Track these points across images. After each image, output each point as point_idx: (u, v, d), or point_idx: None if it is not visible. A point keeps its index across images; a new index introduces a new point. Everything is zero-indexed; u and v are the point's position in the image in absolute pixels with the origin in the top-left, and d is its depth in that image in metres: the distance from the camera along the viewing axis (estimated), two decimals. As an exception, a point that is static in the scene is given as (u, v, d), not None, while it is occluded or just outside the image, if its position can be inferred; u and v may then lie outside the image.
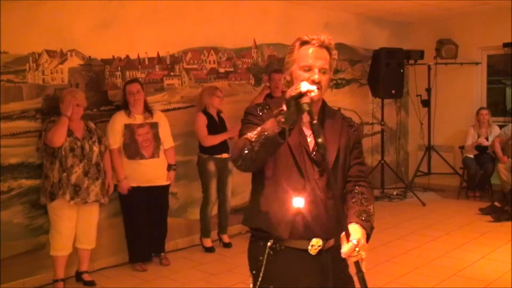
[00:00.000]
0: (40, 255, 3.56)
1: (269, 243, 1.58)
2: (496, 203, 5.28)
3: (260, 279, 1.58)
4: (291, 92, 1.43)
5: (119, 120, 3.78)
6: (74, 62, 3.80)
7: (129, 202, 3.85)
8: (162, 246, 4.09)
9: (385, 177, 6.33)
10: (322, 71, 1.57)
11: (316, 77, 1.55)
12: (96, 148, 3.53)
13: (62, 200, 3.38)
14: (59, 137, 3.33)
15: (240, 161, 1.51)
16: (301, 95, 1.40)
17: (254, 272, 1.63)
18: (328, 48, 1.60)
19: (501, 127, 6.01)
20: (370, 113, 6.45)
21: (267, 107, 1.66)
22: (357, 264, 1.46)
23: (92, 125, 3.62)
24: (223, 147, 4.33)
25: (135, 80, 3.93)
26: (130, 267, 3.93)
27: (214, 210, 4.41)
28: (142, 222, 3.90)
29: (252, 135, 1.48)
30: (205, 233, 4.36)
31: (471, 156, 6.04)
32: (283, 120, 1.41)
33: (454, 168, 6.39)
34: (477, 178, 5.92)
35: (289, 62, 1.62)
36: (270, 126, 1.45)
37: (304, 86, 1.41)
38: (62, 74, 3.75)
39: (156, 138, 3.89)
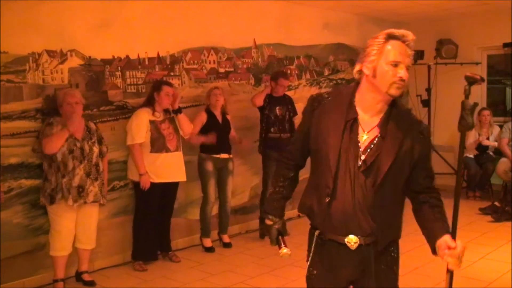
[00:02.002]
0: (40, 255, 3.55)
1: (316, 233, 1.71)
2: (496, 203, 5.28)
3: (309, 262, 1.74)
4: (277, 248, 1.78)
5: (145, 116, 3.83)
6: (74, 62, 3.79)
7: (146, 198, 3.87)
8: (169, 244, 4.12)
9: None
10: (407, 68, 1.59)
11: (402, 73, 1.57)
12: (96, 149, 3.52)
13: (61, 203, 3.37)
14: (53, 147, 3.33)
15: None
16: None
17: (309, 248, 1.77)
18: (411, 47, 1.61)
19: (501, 127, 6.01)
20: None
21: (328, 97, 1.70)
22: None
23: (92, 125, 3.61)
24: (222, 147, 4.33)
25: (172, 84, 4.03)
26: (130, 266, 3.93)
27: (214, 210, 4.41)
28: (153, 218, 3.93)
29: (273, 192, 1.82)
30: (205, 233, 4.36)
31: (471, 156, 6.04)
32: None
33: (454, 168, 6.39)
34: (477, 178, 5.92)
35: (371, 55, 1.61)
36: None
37: (281, 254, 1.76)
38: (62, 74, 3.75)
39: (177, 131, 3.99)
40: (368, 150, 1.61)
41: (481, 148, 5.97)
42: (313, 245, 1.72)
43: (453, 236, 1.64)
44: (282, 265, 3.90)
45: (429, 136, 1.72)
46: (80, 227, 3.52)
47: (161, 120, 3.92)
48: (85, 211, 3.50)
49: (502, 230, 4.76)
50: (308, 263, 1.74)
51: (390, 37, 1.60)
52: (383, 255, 1.69)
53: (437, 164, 6.50)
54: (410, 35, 1.59)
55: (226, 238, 4.47)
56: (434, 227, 1.66)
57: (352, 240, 1.64)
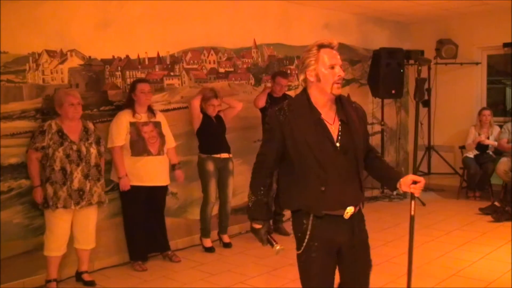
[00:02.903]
0: (40, 255, 3.54)
1: (311, 216, 2.00)
2: (496, 203, 5.27)
3: (307, 238, 2.01)
4: (271, 246, 2.08)
5: (125, 118, 3.80)
6: (74, 62, 3.80)
7: (130, 201, 3.86)
8: (167, 244, 4.11)
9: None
10: (341, 67, 1.99)
11: (340, 72, 1.96)
12: (93, 150, 3.50)
13: (58, 207, 3.36)
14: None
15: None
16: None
17: (299, 234, 2.05)
18: (337, 51, 2.01)
19: (501, 127, 6.01)
20: (370, 113, 6.45)
21: (289, 108, 2.01)
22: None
23: (91, 125, 3.59)
24: (222, 147, 4.33)
25: (146, 80, 3.98)
26: (130, 266, 3.93)
27: (214, 210, 4.41)
28: (142, 221, 3.91)
29: (253, 196, 2.06)
30: (205, 233, 4.36)
31: (471, 156, 6.03)
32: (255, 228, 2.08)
33: (454, 168, 6.39)
34: (477, 178, 5.91)
35: (311, 64, 1.96)
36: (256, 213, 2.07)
37: (275, 250, 2.06)
38: (62, 74, 3.75)
39: (161, 136, 3.94)
40: (340, 136, 1.99)
41: (481, 148, 5.97)
42: (310, 224, 2.00)
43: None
44: (282, 265, 3.90)
45: (363, 110, 2.17)
46: (78, 228, 3.51)
47: (143, 122, 3.85)
48: (83, 212, 3.49)
49: (502, 230, 4.76)
50: (307, 239, 2.01)
51: (320, 46, 1.96)
52: (358, 214, 2.08)
53: (437, 164, 6.52)
54: (335, 41, 1.98)
55: (226, 238, 4.47)
56: (391, 172, 2.14)
57: (349, 211, 2.01)
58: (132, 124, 3.80)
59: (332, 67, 1.95)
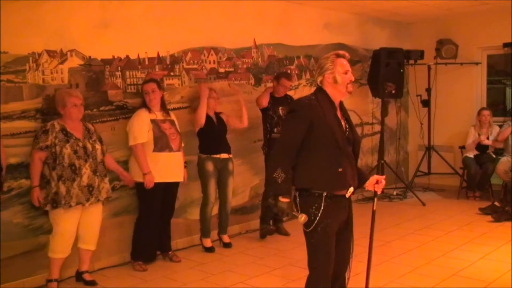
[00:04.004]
0: (40, 255, 3.54)
1: (324, 193, 2.33)
2: (496, 203, 5.27)
3: (319, 216, 2.32)
4: (296, 216, 2.32)
5: (145, 116, 3.83)
6: (74, 62, 3.79)
7: (149, 199, 3.87)
8: (169, 244, 4.12)
9: (385, 177, 6.31)
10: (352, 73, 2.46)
11: (352, 77, 2.41)
12: (98, 146, 3.53)
13: (66, 207, 3.35)
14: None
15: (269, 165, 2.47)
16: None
17: (314, 212, 2.33)
18: (349, 62, 2.46)
19: (501, 127, 6.00)
20: (370, 113, 6.45)
21: (316, 98, 2.38)
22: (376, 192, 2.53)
23: (90, 126, 3.61)
24: (222, 147, 4.33)
25: (150, 80, 3.99)
26: (130, 266, 3.93)
27: (214, 210, 4.40)
28: (155, 220, 3.93)
29: (280, 177, 2.30)
30: (205, 233, 4.36)
31: (471, 156, 6.04)
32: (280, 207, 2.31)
33: (454, 168, 6.39)
34: (477, 178, 5.91)
35: (329, 69, 2.39)
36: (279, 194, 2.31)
37: (302, 219, 2.31)
38: (62, 74, 3.74)
39: (179, 133, 4.01)
40: (347, 130, 2.41)
41: (481, 148, 5.97)
42: (323, 203, 2.32)
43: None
44: (282, 265, 3.91)
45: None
46: (84, 227, 3.52)
47: (161, 120, 3.92)
48: (90, 210, 3.49)
49: (502, 230, 4.75)
50: (318, 217, 2.32)
51: (338, 55, 2.41)
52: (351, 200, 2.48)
53: (437, 164, 6.52)
54: (347, 54, 2.44)
55: (226, 238, 4.47)
56: (360, 174, 2.49)
57: (350, 191, 2.40)
58: (152, 121, 3.85)
59: (346, 73, 2.39)
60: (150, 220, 3.90)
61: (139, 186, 3.87)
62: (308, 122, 2.31)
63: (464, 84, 6.58)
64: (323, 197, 2.31)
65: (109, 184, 3.59)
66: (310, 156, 2.33)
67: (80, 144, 3.43)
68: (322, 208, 2.31)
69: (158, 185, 3.85)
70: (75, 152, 3.39)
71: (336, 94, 2.41)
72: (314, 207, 2.31)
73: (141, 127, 3.80)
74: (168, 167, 3.90)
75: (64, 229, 3.40)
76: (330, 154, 2.32)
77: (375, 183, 2.48)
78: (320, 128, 2.31)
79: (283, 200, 2.29)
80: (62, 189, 3.33)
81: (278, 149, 2.38)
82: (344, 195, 2.39)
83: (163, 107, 3.98)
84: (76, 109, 3.44)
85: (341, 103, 2.47)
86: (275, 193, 2.31)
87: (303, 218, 2.28)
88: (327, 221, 2.33)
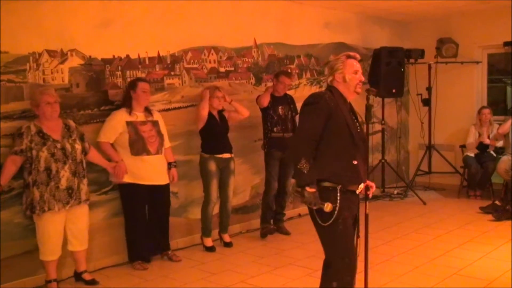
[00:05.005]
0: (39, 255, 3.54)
1: (339, 187, 2.38)
2: (497, 202, 5.26)
3: (337, 209, 2.36)
4: (322, 207, 2.33)
5: (121, 117, 3.78)
6: (75, 61, 3.78)
7: (131, 200, 3.85)
8: (167, 244, 4.10)
9: (386, 176, 6.32)
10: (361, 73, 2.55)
11: (361, 77, 2.50)
12: (78, 146, 3.44)
13: (46, 211, 3.29)
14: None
15: (291, 156, 2.58)
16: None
17: (332, 205, 2.36)
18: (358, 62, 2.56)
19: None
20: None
21: (332, 93, 2.45)
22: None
23: (71, 123, 3.51)
24: (225, 147, 4.32)
25: (145, 80, 3.98)
26: (130, 266, 3.93)
27: (215, 209, 4.40)
28: (143, 220, 3.91)
29: (304, 166, 2.32)
30: (206, 232, 4.35)
31: (472, 155, 6.03)
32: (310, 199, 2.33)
33: (455, 167, 6.39)
34: (478, 177, 5.90)
35: (339, 68, 2.46)
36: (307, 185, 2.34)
37: (328, 208, 2.33)
38: (63, 74, 3.74)
39: (160, 135, 3.93)
40: (358, 126, 2.49)
41: (482, 147, 5.96)
42: (339, 197, 2.37)
43: None
44: (283, 264, 3.90)
45: None
46: (71, 230, 3.46)
47: (140, 121, 3.83)
48: (75, 212, 3.44)
49: (502, 229, 4.75)
50: (337, 210, 2.36)
51: (348, 56, 2.49)
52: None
53: (437, 163, 6.51)
54: (357, 55, 2.51)
55: (227, 238, 4.47)
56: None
57: (361, 187, 2.47)
58: (129, 123, 3.77)
59: (356, 73, 2.47)
60: (136, 222, 3.86)
61: (122, 188, 3.84)
62: (326, 113, 2.36)
63: (465, 83, 6.57)
64: (338, 190, 2.36)
65: (87, 186, 3.49)
66: (325, 148, 2.38)
67: (59, 145, 3.33)
68: (338, 201, 2.35)
69: (138, 186, 3.81)
70: (52, 155, 3.29)
71: (346, 93, 2.48)
72: (330, 201, 2.34)
73: (110, 128, 3.74)
74: (147, 171, 3.83)
75: (48, 233, 3.34)
76: (345, 146, 2.39)
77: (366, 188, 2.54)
78: (336, 121, 2.37)
79: (310, 190, 2.31)
80: (36, 194, 3.26)
81: (299, 140, 2.40)
82: (355, 191, 2.44)
83: (146, 108, 3.91)
84: (49, 107, 3.32)
85: (349, 103, 2.53)
86: (301, 183, 2.32)
87: (329, 206, 2.31)
88: (344, 214, 2.39)
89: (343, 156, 2.39)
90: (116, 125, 3.75)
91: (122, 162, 3.76)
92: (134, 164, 3.80)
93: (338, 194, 2.36)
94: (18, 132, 3.31)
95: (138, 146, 3.80)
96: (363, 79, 2.48)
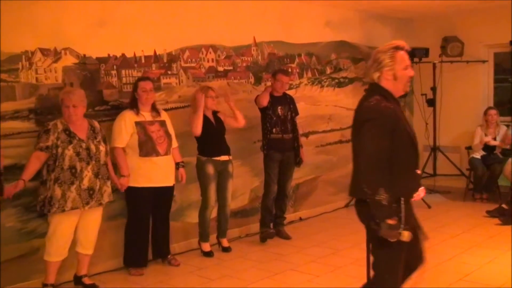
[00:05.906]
0: (34, 259, 3.47)
1: (402, 200, 2.18)
2: (504, 206, 5.17)
3: (403, 221, 2.16)
4: (400, 237, 2.13)
5: (129, 118, 3.71)
6: (68, 60, 3.72)
7: (137, 204, 3.79)
8: (167, 248, 4.03)
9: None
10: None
11: (412, 73, 2.26)
12: (102, 148, 3.44)
13: (63, 210, 3.26)
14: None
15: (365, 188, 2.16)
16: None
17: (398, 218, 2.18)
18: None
19: (508, 126, 5.90)
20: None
21: (387, 100, 2.21)
22: None
23: (96, 124, 3.52)
24: (222, 149, 4.23)
25: (148, 78, 3.90)
26: (126, 271, 3.84)
27: (213, 213, 4.30)
28: (147, 223, 3.86)
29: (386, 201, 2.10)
30: (203, 237, 4.25)
31: (478, 157, 5.92)
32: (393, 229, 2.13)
33: (461, 169, 6.28)
34: (484, 179, 5.82)
35: (388, 64, 2.20)
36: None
37: (407, 237, 2.13)
38: (56, 73, 3.67)
39: (168, 135, 3.88)
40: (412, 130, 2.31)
41: (488, 149, 5.85)
42: (403, 209, 2.16)
43: None
44: (283, 269, 3.83)
45: None
46: (83, 231, 3.44)
47: (148, 121, 3.78)
48: (90, 214, 3.41)
49: (509, 233, 4.64)
50: (403, 223, 2.16)
51: (397, 48, 2.20)
52: None
53: (442, 165, 6.39)
54: (406, 45, 2.22)
55: (225, 242, 4.37)
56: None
57: (418, 194, 2.27)
58: (137, 124, 3.72)
59: (406, 68, 2.21)
60: (140, 225, 3.81)
61: (127, 190, 3.77)
62: (389, 130, 2.14)
63: (470, 82, 6.48)
64: (402, 203, 2.16)
65: (111, 187, 3.49)
66: (390, 166, 2.16)
67: (84, 145, 3.33)
68: (402, 213, 2.15)
69: (145, 190, 3.75)
70: (78, 154, 3.29)
71: (394, 91, 2.25)
72: (394, 213, 2.14)
73: (121, 130, 3.68)
74: (156, 172, 3.78)
75: (61, 232, 3.32)
76: (409, 158, 2.22)
77: None
78: (399, 135, 2.17)
79: (392, 222, 2.10)
80: (57, 192, 3.24)
81: (369, 167, 2.14)
82: (412, 199, 2.27)
83: (153, 107, 3.86)
84: (68, 110, 3.31)
85: (398, 101, 2.34)
86: (384, 217, 2.10)
87: (406, 235, 2.12)
88: (407, 226, 2.19)
89: (408, 169, 2.23)
90: (127, 126, 3.69)
91: (127, 178, 3.69)
92: (143, 165, 3.72)
93: (402, 205, 2.17)
94: (45, 129, 3.31)
95: (147, 147, 3.74)
96: (413, 73, 2.24)
